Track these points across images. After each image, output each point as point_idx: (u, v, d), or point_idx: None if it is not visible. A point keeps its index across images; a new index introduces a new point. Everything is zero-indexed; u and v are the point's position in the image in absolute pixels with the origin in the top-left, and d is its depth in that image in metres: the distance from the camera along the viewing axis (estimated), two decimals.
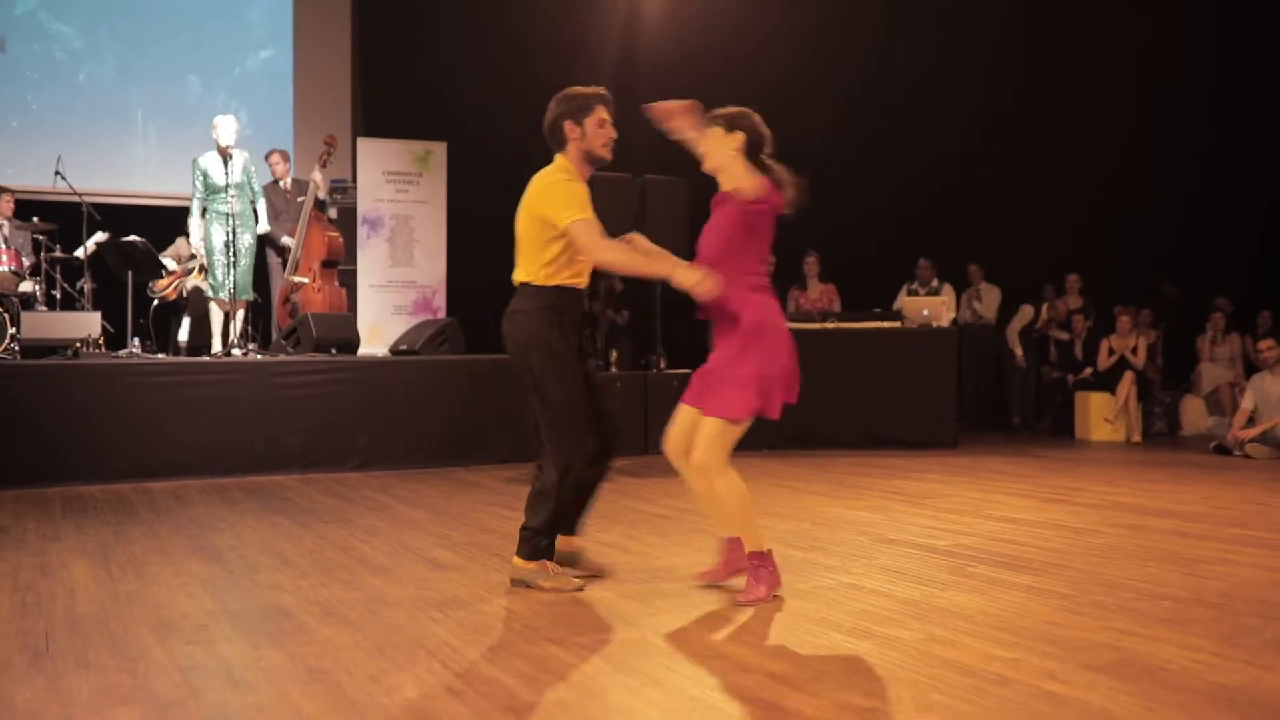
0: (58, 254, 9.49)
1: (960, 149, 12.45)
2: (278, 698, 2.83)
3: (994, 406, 11.59)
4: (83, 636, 3.41)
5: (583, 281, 4.20)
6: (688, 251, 9.51)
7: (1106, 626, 3.44)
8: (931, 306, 9.52)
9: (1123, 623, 3.48)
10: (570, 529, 4.31)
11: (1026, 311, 11.35)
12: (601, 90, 4.18)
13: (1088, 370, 10.56)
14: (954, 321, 9.88)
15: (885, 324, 9.50)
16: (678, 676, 2.98)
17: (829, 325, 9.43)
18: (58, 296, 9.38)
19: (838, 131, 12.44)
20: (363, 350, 8.83)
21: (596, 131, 4.11)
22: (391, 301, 10.74)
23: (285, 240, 9.31)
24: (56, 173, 9.57)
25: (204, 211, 8.66)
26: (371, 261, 10.73)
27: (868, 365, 9.22)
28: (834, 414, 9.17)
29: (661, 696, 2.83)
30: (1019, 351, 11.18)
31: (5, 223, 9.32)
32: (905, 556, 4.60)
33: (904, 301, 9.87)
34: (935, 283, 10.80)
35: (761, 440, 9.11)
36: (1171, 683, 2.88)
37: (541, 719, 2.67)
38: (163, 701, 2.79)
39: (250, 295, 9.00)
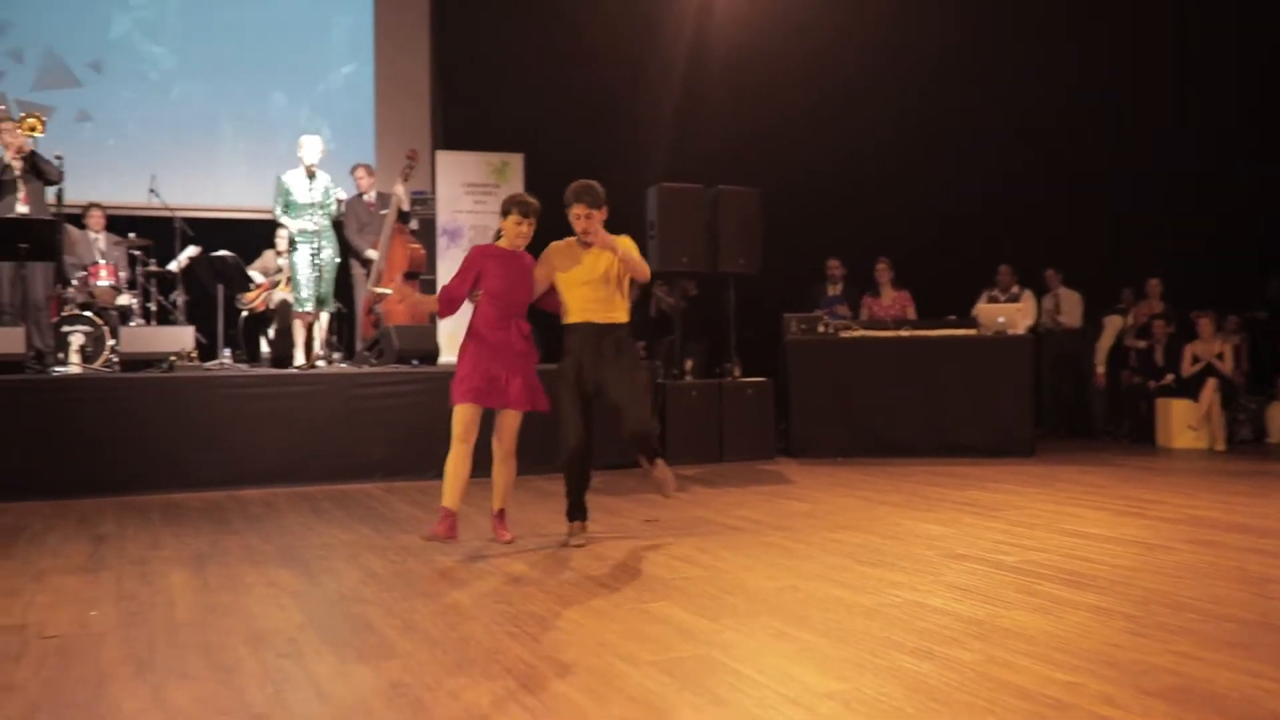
0: (153, 268, 9.89)
1: (1036, 151, 12.36)
2: (362, 711, 3.00)
3: (1076, 414, 11.48)
4: (181, 647, 3.62)
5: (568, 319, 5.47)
6: (762, 259, 9.61)
7: (1169, 650, 3.47)
8: (1007, 313, 9.49)
9: (1186, 646, 3.51)
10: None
11: (1115, 323, 11.20)
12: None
13: (1169, 376, 10.43)
14: (1031, 328, 9.82)
15: (960, 331, 9.49)
16: (741, 695, 3.09)
17: (903, 333, 9.45)
18: (153, 309, 9.76)
19: (911, 133, 12.43)
20: (443, 359, 9.05)
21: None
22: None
23: (369, 253, 9.58)
24: (150, 189, 9.97)
25: (283, 227, 8.95)
26: (451, 271, 10.94)
27: (943, 373, 9.24)
28: (909, 422, 9.21)
29: (725, 714, 2.94)
30: (1100, 370, 11.03)
31: (101, 237, 9.75)
32: (972, 573, 4.66)
33: (979, 309, 9.84)
34: (1015, 289, 10.74)
35: (836, 448, 9.20)
36: (1231, 710, 2.92)
37: None
38: (255, 713, 2.98)
39: (332, 307, 9.27)
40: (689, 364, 9.66)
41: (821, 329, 9.52)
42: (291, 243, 9.01)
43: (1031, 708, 2.95)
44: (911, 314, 10.40)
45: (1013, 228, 12.00)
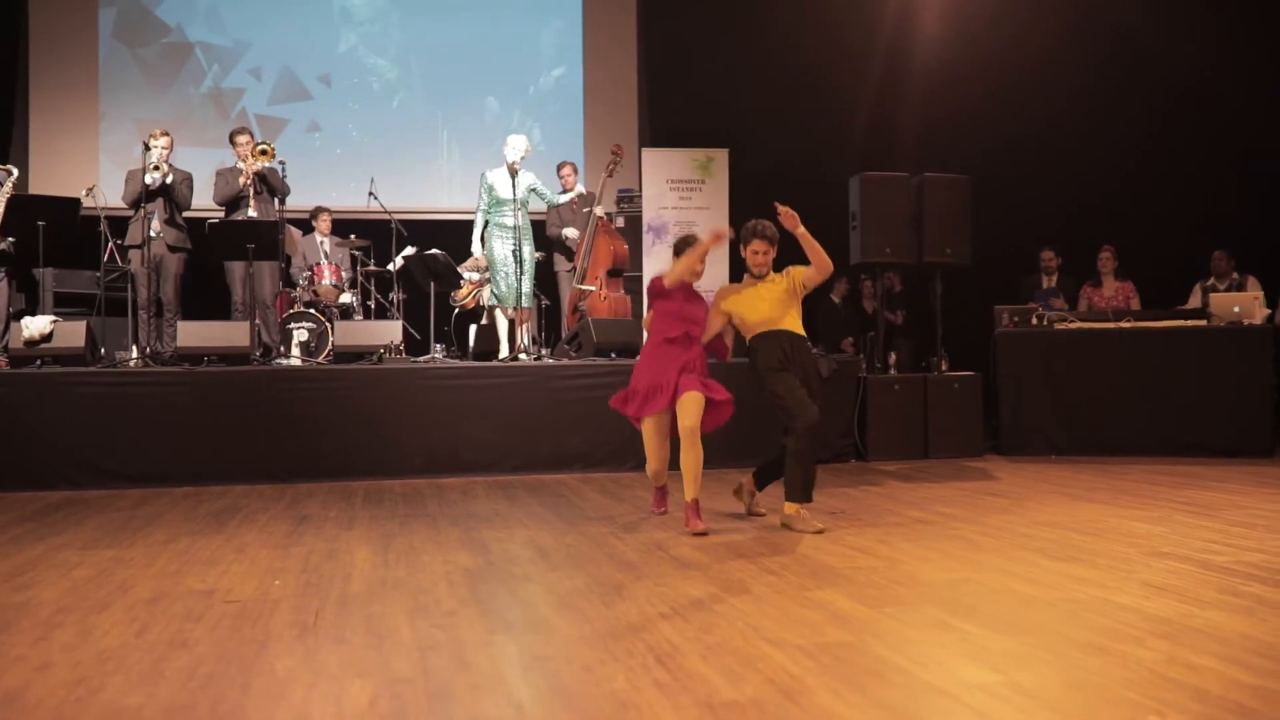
0: (371, 268, 10.38)
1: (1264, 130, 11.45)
2: (496, 679, 3.02)
3: None
4: (346, 615, 3.75)
5: (754, 333, 5.79)
6: (974, 245, 9.23)
7: None
8: (1243, 303, 8.76)
9: None
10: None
11: None
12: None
13: None
14: (1270, 318, 9.04)
15: (1189, 323, 8.84)
16: (884, 682, 2.94)
17: (1125, 325, 8.88)
18: (372, 307, 10.24)
19: (1129, 117, 11.75)
20: None
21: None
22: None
23: (567, 231, 9.77)
24: (370, 193, 10.47)
25: (485, 224, 9.17)
26: (656, 268, 11.04)
27: (1169, 367, 8.63)
28: (1130, 419, 8.65)
29: (863, 700, 2.80)
30: None
31: (326, 240, 10.29)
32: (1172, 571, 4.29)
33: (1212, 298, 9.12)
34: (1236, 276, 9.90)
35: (1050, 445, 8.75)
36: None
37: (734, 717, 2.71)
38: (396, 677, 3.04)
39: (532, 302, 9.45)
40: (893, 358, 9.38)
41: (1035, 321, 9.05)
42: (489, 240, 9.23)
43: (1207, 711, 2.67)
44: (1135, 305, 9.77)
45: (1223, 216, 11.18)
